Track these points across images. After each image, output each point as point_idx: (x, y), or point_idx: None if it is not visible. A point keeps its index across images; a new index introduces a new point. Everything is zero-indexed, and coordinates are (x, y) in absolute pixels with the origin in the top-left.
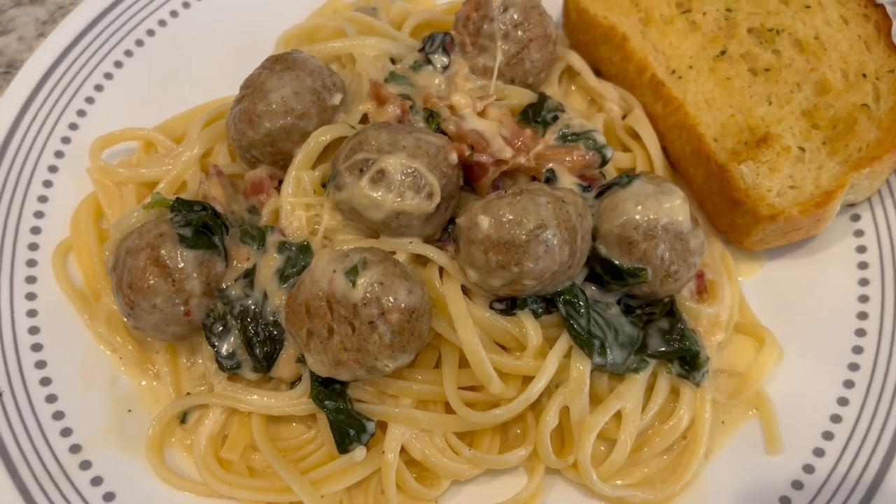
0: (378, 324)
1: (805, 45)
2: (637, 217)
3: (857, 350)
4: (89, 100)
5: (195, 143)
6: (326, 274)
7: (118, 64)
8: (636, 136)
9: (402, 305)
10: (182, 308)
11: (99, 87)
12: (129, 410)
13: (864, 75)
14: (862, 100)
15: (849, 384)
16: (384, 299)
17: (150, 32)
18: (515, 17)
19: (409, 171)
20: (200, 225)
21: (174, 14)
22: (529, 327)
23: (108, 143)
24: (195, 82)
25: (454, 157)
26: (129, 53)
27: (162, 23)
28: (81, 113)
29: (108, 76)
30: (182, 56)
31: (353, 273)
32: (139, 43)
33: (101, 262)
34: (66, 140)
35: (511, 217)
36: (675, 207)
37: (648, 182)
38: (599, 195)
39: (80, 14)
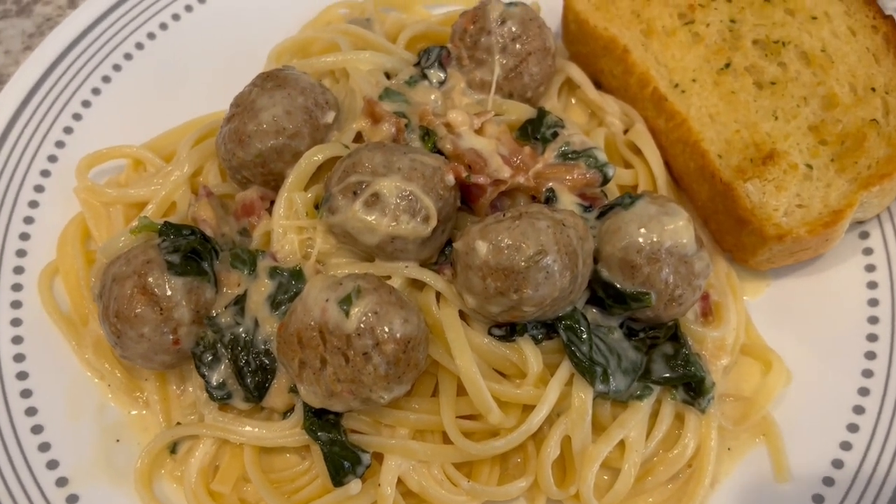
0: (373, 355)
1: (812, 58)
2: (640, 240)
3: (868, 374)
4: (76, 116)
5: (184, 162)
6: (319, 303)
7: (106, 79)
8: (638, 152)
9: (398, 335)
10: (171, 337)
11: (86, 103)
12: (118, 440)
13: (874, 89)
14: (871, 115)
15: (859, 410)
16: (379, 329)
17: (139, 46)
18: (513, 29)
19: (404, 194)
20: (189, 250)
21: (163, 27)
22: (529, 354)
23: (96, 161)
24: (186, 96)
25: (451, 179)
26: (117, 68)
27: (151, 35)
28: (68, 130)
29: (95, 91)
30: (172, 69)
31: (346, 302)
32: (128, 57)
33: (89, 286)
34: (52, 158)
35: (510, 242)
36: (679, 229)
37: (651, 203)
38: (601, 216)
39: (67, 27)
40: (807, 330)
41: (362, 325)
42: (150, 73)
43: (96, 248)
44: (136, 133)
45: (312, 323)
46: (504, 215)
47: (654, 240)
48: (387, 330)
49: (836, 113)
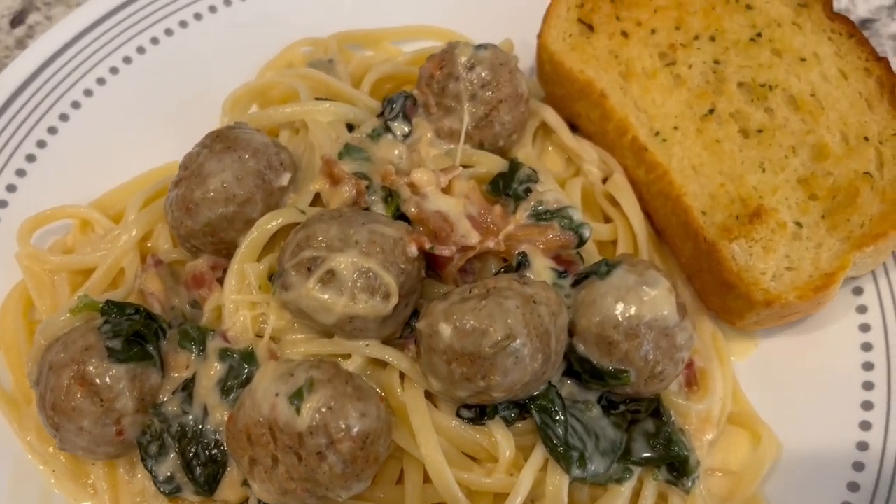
0: (327, 454)
1: (800, 103)
2: (617, 315)
3: (863, 447)
4: (20, 172)
5: (133, 226)
6: (268, 398)
7: (52, 129)
8: (617, 203)
9: (354, 432)
10: (113, 428)
11: (31, 157)
12: None
13: (867, 138)
14: (864, 167)
15: (853, 487)
16: (333, 426)
17: (88, 92)
18: (483, 75)
19: (362, 270)
20: (132, 333)
21: (114, 70)
22: (501, 439)
23: (40, 223)
24: (138, 145)
25: (413, 250)
26: (63, 117)
27: (101, 81)
28: (11, 188)
29: (41, 144)
30: (122, 117)
31: (297, 397)
32: (75, 105)
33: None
34: None
35: (475, 325)
36: (659, 300)
37: (630, 271)
38: (576, 284)
39: (12, 72)
40: (798, 395)
41: (315, 423)
42: (98, 122)
43: (41, 318)
44: (85, 185)
45: (261, 419)
46: (470, 292)
47: (633, 313)
48: (342, 427)
49: (827, 164)
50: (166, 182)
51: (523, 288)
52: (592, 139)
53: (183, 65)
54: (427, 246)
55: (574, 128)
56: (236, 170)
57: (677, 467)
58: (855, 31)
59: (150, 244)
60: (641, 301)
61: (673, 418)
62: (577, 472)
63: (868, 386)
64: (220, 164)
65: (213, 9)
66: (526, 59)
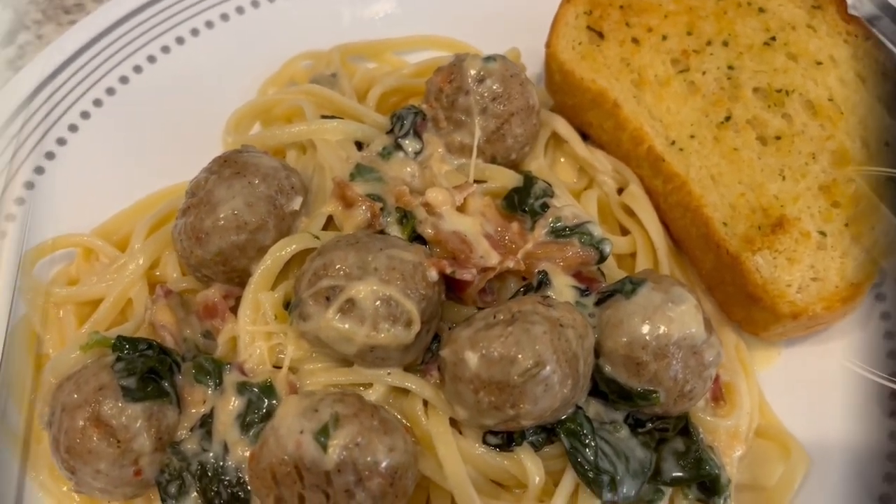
0: (356, 491)
1: (818, 108)
2: (645, 335)
3: (892, 457)
4: (19, 200)
5: (139, 254)
6: (293, 436)
7: (50, 155)
8: (633, 213)
9: (383, 467)
10: (131, 469)
11: (30, 185)
12: None
13: (888, 143)
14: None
15: (886, 499)
16: (361, 463)
17: (85, 115)
18: (494, 87)
19: (382, 298)
20: (146, 370)
21: (110, 91)
22: (530, 466)
23: (42, 254)
24: (137, 167)
25: (434, 275)
26: (61, 141)
27: (97, 102)
28: (11, 217)
29: (38, 170)
30: (121, 138)
31: (323, 434)
32: (72, 128)
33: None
34: None
35: (503, 352)
36: (686, 317)
37: (655, 289)
38: (600, 302)
39: (8, 93)
40: (823, 404)
41: (342, 460)
42: (96, 145)
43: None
44: (85, 211)
45: (286, 458)
46: (494, 317)
47: (661, 333)
48: (370, 462)
49: (849, 171)
50: (171, 207)
51: (549, 311)
52: (606, 149)
53: (181, 82)
54: (448, 270)
55: (585, 136)
56: (247, 196)
57: (708, 486)
58: (870, 33)
59: (157, 272)
60: (669, 320)
61: (701, 436)
62: (608, 496)
63: None
64: (230, 190)
65: (209, 24)
66: (532, 66)
